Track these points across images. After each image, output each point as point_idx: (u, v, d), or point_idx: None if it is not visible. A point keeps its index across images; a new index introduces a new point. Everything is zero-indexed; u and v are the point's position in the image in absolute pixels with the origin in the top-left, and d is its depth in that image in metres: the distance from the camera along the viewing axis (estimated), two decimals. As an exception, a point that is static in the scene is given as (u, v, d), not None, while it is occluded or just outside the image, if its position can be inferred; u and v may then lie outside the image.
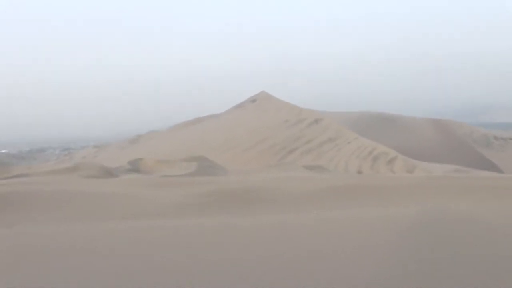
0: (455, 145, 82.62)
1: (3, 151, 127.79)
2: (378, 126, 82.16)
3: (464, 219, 8.41)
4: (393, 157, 57.82)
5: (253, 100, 75.14)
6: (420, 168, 55.75)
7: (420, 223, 7.98)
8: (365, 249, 6.34)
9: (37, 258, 6.41)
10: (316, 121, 65.09)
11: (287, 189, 13.96)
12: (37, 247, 6.99)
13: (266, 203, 11.99)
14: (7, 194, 12.68)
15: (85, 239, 7.67)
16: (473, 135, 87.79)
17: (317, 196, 12.99)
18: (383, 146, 59.88)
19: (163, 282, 5.26)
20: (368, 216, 9.39)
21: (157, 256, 6.32)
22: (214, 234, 7.81)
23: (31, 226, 9.31)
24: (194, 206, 11.65)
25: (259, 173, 26.71)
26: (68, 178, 20.04)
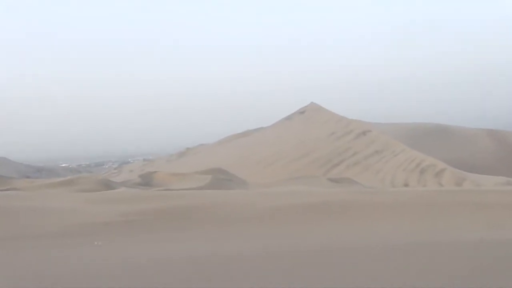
0: (510, 156, 79.80)
1: (63, 164, 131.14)
2: (432, 137, 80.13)
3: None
4: (441, 169, 56.35)
5: (301, 111, 74.71)
6: (469, 180, 54.11)
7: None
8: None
9: None
10: (364, 133, 64.17)
11: (239, 207, 13.53)
12: None
13: (196, 225, 11.73)
14: None
15: None
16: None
17: (268, 215, 12.59)
18: (431, 158, 58.38)
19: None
20: (276, 246, 8.61)
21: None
22: (92, 262, 7.20)
23: None
24: (116, 225, 11.58)
25: (275, 187, 26.33)
26: (49, 192, 20.23)
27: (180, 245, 8.94)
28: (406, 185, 53.90)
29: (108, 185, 23.98)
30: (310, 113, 72.80)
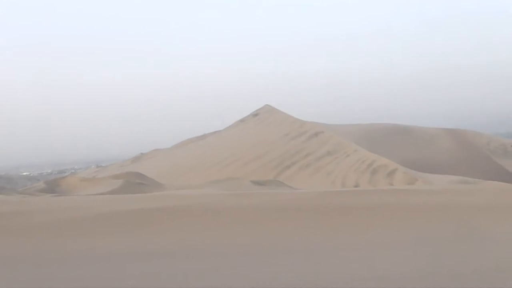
0: (471, 155, 79.22)
1: (25, 173, 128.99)
2: (391, 138, 79.33)
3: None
4: (393, 169, 55.18)
5: (255, 114, 73.39)
6: (421, 180, 53.17)
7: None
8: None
9: None
10: (316, 134, 62.95)
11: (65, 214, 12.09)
12: None
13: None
14: None
15: None
16: (490, 145, 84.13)
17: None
18: (383, 159, 57.26)
19: None
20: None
21: None
22: None
23: None
24: None
25: (192, 190, 24.98)
26: None
27: None
28: (356, 186, 52.69)
29: None
30: (264, 115, 71.56)
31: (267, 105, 73.96)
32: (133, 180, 28.13)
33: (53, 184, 27.98)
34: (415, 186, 37.07)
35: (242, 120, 74.10)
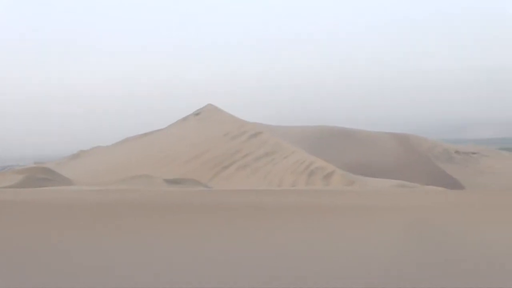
0: (414, 160, 79.60)
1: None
2: (334, 140, 79.18)
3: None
4: (330, 171, 54.84)
5: (197, 113, 72.38)
6: (358, 183, 52.97)
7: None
8: None
9: None
10: (256, 134, 62.24)
11: None
12: None
13: None
14: None
15: None
16: (434, 150, 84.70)
17: None
18: (321, 161, 56.88)
19: None
20: None
21: None
22: None
23: None
24: None
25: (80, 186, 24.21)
26: None
27: None
28: (293, 187, 52.26)
29: None
30: (206, 114, 70.62)
31: (209, 104, 73.03)
32: (36, 175, 26.97)
33: None
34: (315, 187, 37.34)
35: (184, 119, 73.05)
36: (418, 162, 78.60)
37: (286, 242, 9.48)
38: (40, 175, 27.72)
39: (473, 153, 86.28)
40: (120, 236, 10.04)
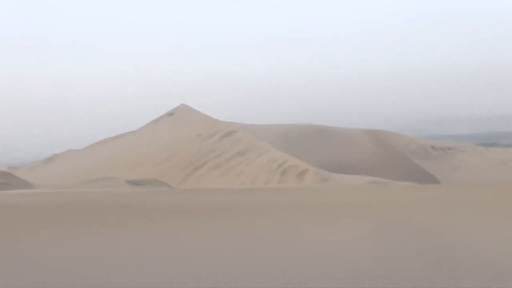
0: (390, 156, 79.44)
1: None
2: (311, 138, 78.81)
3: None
4: (303, 170, 54.42)
5: (170, 113, 71.65)
6: (332, 180, 52.64)
7: None
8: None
9: None
10: (229, 134, 61.67)
11: None
12: None
13: None
14: None
15: None
16: (411, 146, 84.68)
17: None
18: (294, 159, 56.43)
19: None
20: None
21: None
22: None
23: None
24: None
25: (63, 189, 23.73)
26: None
27: None
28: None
29: None
30: (179, 115, 69.90)
31: (183, 104, 72.33)
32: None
33: None
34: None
35: (156, 120, 72.28)
36: (393, 159, 78.43)
37: (251, 241, 9.10)
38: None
39: (449, 148, 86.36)
40: (65, 238, 9.75)
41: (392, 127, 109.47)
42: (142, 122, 76.08)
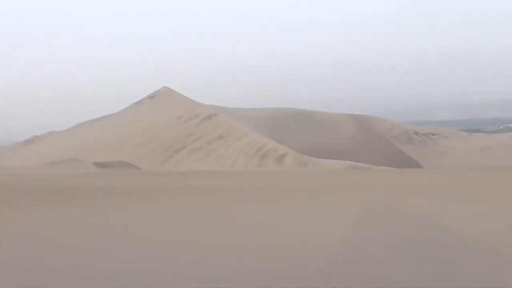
0: (373, 141, 79.47)
1: None
2: (293, 123, 78.63)
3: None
4: (283, 153, 54.15)
5: (152, 96, 71.06)
6: (312, 164, 52.48)
7: None
8: None
9: None
10: (210, 117, 61.21)
11: None
12: None
13: None
14: None
15: None
16: (394, 131, 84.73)
17: None
18: (274, 142, 56.16)
19: None
20: None
21: None
22: None
23: None
24: None
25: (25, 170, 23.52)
26: None
27: None
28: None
29: None
30: (160, 98, 69.34)
31: (164, 87, 71.77)
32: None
33: None
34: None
35: (138, 103, 71.65)
36: (376, 144, 78.52)
37: (224, 227, 8.88)
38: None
39: (433, 134, 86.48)
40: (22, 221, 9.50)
41: (376, 112, 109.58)
42: (127, 104, 75.42)
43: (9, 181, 14.91)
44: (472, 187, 14.64)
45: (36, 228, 8.69)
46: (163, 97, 69.31)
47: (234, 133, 57.97)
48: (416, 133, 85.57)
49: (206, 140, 57.24)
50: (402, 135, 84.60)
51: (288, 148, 55.89)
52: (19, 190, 13.08)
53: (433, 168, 63.10)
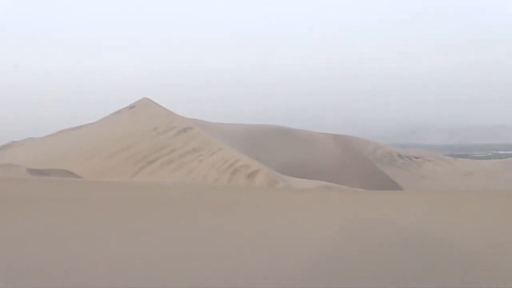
0: (355, 162, 78.85)
1: None
2: (274, 140, 78.05)
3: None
4: (254, 170, 53.54)
5: (132, 106, 70.64)
6: (283, 183, 51.85)
7: None
8: None
9: None
10: (185, 130, 60.74)
11: None
12: None
13: None
14: None
15: None
16: (377, 153, 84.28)
17: None
18: (247, 158, 55.56)
19: None
20: None
21: None
22: None
23: None
24: None
25: None
26: None
27: None
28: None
29: None
30: (140, 108, 68.92)
31: (145, 98, 71.41)
32: None
33: None
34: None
35: (117, 112, 71.27)
36: (358, 164, 77.88)
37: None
38: None
39: (416, 157, 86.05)
40: None
41: (365, 134, 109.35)
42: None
43: None
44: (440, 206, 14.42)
45: None
46: (142, 108, 68.90)
47: (208, 147, 57.45)
48: (399, 155, 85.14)
49: (180, 153, 56.72)
50: (385, 157, 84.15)
51: (261, 165, 55.28)
52: None
53: (412, 190, 62.45)
